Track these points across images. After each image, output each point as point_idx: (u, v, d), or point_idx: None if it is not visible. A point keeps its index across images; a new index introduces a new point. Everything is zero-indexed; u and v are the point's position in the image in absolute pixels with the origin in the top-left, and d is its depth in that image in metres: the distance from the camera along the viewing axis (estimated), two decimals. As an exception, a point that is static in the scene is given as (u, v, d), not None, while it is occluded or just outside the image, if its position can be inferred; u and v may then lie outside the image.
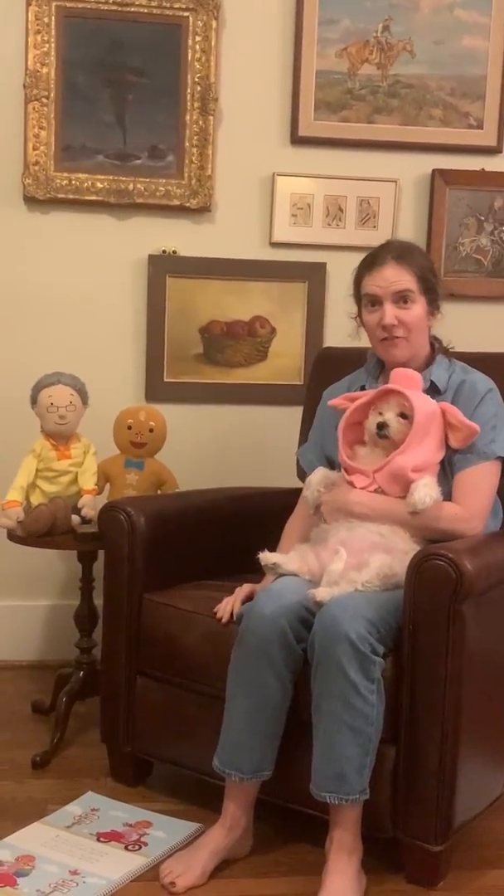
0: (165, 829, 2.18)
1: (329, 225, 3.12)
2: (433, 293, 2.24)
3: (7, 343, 3.07)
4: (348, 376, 2.41)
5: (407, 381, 2.15)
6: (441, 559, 1.92)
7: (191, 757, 2.22)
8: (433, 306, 2.25)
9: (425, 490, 2.03)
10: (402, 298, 2.20)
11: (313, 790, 1.95)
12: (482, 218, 3.15)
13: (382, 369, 2.32)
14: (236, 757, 2.01)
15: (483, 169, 3.14)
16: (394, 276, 2.19)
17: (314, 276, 3.14)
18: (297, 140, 3.09)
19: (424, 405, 2.11)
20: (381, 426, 2.11)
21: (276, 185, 3.10)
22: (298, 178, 3.10)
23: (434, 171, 3.13)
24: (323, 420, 2.39)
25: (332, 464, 2.28)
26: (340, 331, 2.82)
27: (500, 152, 3.15)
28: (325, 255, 3.14)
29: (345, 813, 1.94)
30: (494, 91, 3.11)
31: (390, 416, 2.12)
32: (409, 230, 3.15)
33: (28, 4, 2.92)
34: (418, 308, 2.21)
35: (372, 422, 2.14)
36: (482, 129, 3.13)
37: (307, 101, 3.06)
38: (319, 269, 3.14)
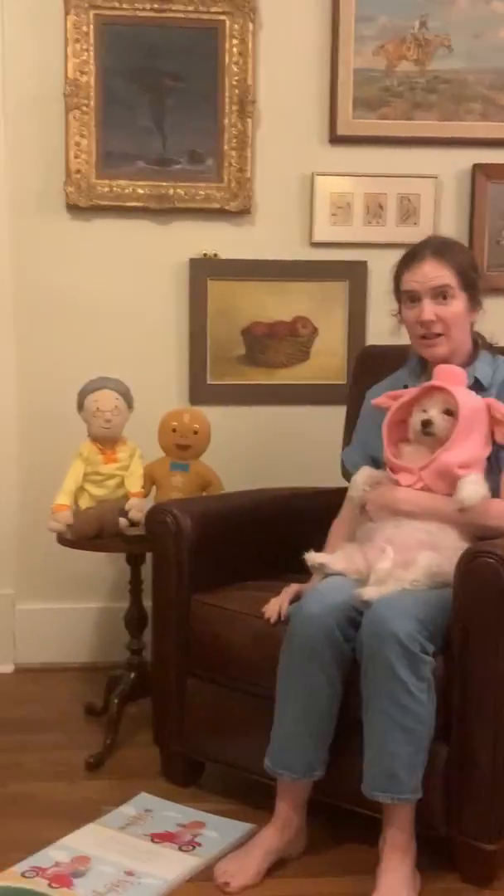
0: (219, 830, 2.17)
1: (369, 223, 3.10)
2: (474, 289, 2.21)
3: (53, 349, 3.09)
4: (390, 376, 2.38)
5: (451, 377, 2.13)
6: (490, 556, 1.89)
7: (242, 757, 2.20)
8: (474, 302, 2.22)
9: (473, 486, 2.01)
10: (440, 294, 2.17)
11: (365, 790, 1.93)
12: (525, 212, 3.08)
13: (425, 367, 2.29)
14: (287, 757, 2.00)
15: (525, 162, 3.10)
16: (432, 272, 2.17)
17: (355, 274, 3.11)
18: (336, 139, 3.08)
19: (469, 401, 2.08)
20: (426, 423, 2.08)
21: (315, 184, 3.08)
22: (338, 178, 3.08)
23: (474, 165, 3.10)
24: (366, 420, 2.36)
25: (376, 463, 2.26)
26: (382, 329, 2.83)
27: (542, 144, 3.10)
28: (366, 253, 3.12)
29: (398, 812, 1.93)
30: (534, 83, 3.07)
31: (434, 412, 2.09)
32: (451, 226, 3.13)
33: (66, 14, 2.93)
34: (458, 304, 2.18)
35: (416, 419, 2.11)
36: (523, 121, 3.09)
37: (345, 100, 3.05)
38: (360, 267, 3.12)
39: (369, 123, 3.07)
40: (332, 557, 2.12)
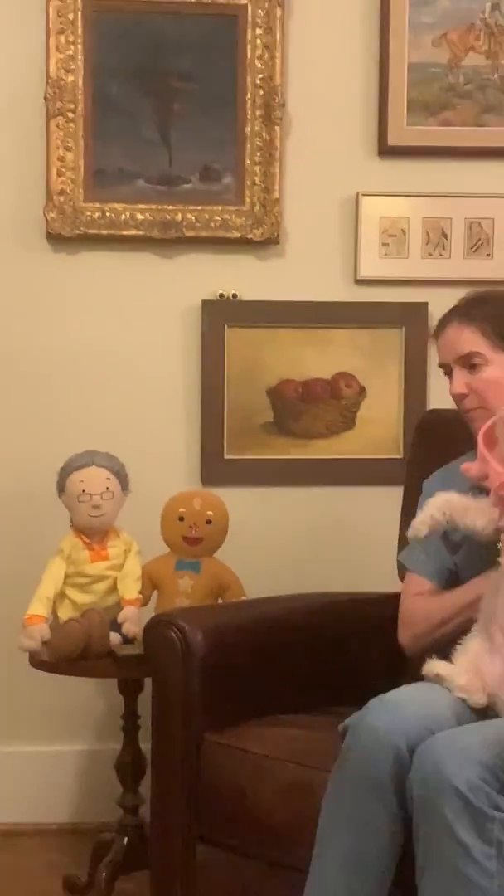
0: None
1: (430, 255, 3.15)
2: None
3: (30, 415, 3.14)
4: (456, 461, 2.36)
5: None
6: None
7: None
8: None
9: None
10: (469, 364, 2.30)
11: None
12: None
13: None
14: None
15: None
16: (455, 339, 2.32)
17: (413, 319, 3.14)
18: (387, 151, 3.11)
19: None
20: None
21: (361, 207, 3.11)
22: (389, 198, 3.12)
23: None
24: (428, 494, 2.31)
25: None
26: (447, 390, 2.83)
27: None
28: (427, 293, 3.14)
29: None
30: None
31: None
32: None
33: (48, 0, 2.98)
34: (493, 370, 2.30)
35: None
36: None
37: (398, 103, 3.08)
38: (419, 310, 3.14)
39: (428, 131, 3.11)
40: (455, 669, 2.05)
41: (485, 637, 2.08)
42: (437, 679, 2.06)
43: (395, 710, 1.96)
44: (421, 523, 2.16)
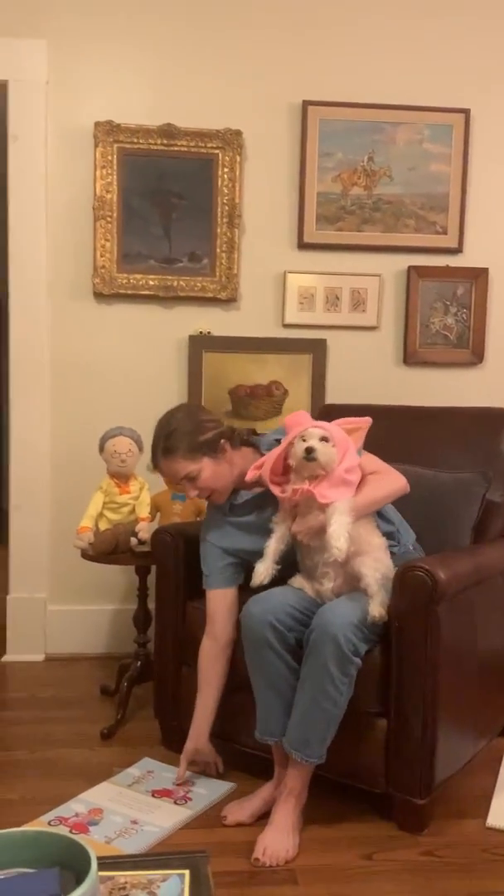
0: (206, 787, 2.12)
1: (328, 310, 3.05)
2: (208, 446, 2.00)
3: (80, 404, 3.04)
4: (208, 515, 2.20)
5: (305, 418, 1.93)
6: (420, 570, 1.86)
7: (225, 729, 2.14)
8: (216, 452, 2.02)
9: (340, 530, 1.81)
10: (189, 479, 2.03)
11: (286, 745, 1.90)
12: (448, 303, 3.09)
13: (234, 489, 2.12)
14: (269, 725, 1.95)
15: (447, 265, 3.10)
16: (169, 471, 2.04)
17: (317, 349, 3.07)
18: (303, 245, 3.04)
19: (333, 427, 1.91)
20: (309, 450, 1.84)
21: (286, 280, 3.04)
22: (304, 275, 3.04)
23: (409, 267, 3.07)
24: (213, 545, 2.15)
25: (234, 554, 2.14)
26: (337, 392, 2.94)
27: (461, 252, 3.09)
28: (326, 333, 3.07)
29: (302, 768, 1.90)
30: (455, 205, 3.07)
31: (314, 441, 1.86)
32: (391, 313, 3.09)
33: (96, 146, 2.91)
34: (205, 471, 2.02)
35: (299, 449, 1.85)
36: (446, 234, 3.08)
37: (310, 216, 3.02)
38: (321, 344, 3.07)
39: (329, 234, 3.04)
40: (303, 583, 2.03)
41: (308, 575, 2.04)
42: (297, 585, 2.03)
43: (264, 601, 1.95)
44: (262, 575, 1.95)
